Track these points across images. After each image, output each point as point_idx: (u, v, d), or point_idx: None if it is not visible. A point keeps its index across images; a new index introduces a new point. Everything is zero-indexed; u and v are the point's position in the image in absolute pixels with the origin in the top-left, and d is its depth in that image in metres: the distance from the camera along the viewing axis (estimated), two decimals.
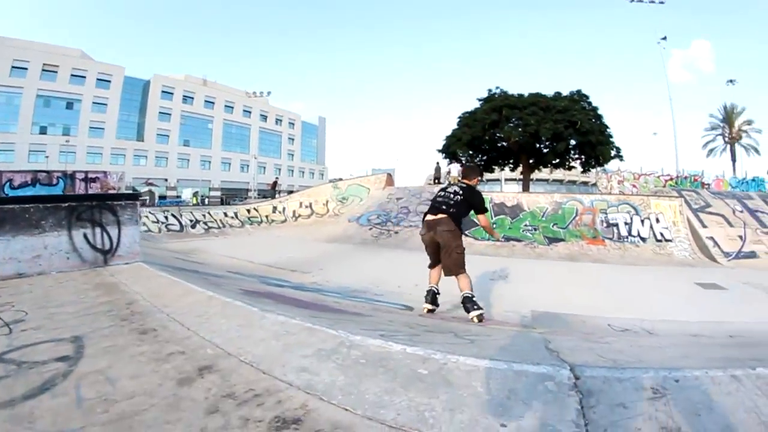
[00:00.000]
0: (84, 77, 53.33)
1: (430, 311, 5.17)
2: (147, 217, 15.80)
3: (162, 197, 51.71)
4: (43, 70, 50.59)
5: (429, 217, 5.10)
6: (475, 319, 4.59)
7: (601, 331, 5.10)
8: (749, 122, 42.65)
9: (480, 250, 13.14)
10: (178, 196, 53.32)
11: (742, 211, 13.73)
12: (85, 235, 4.01)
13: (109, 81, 55.46)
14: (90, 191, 11.39)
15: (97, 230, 4.08)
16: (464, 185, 5.27)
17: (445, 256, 5.04)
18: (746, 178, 22.82)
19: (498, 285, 8.16)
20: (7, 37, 49.23)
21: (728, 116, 43.20)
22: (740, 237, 12.51)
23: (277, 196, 32.91)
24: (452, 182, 19.02)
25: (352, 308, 3.84)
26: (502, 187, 59.48)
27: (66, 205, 3.91)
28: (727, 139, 43.54)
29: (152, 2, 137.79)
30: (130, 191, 49.03)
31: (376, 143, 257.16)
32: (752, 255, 11.85)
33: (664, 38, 38.93)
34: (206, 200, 53.09)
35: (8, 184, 10.70)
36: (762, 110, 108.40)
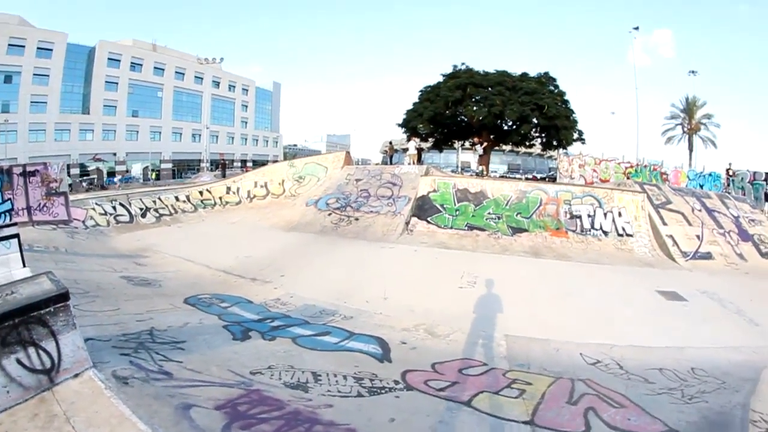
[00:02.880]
0: (23, 46, 47.66)
1: None
2: (94, 209, 14.84)
3: (111, 173, 49.07)
4: None
5: None
6: None
7: (575, 365, 5.16)
8: (709, 116, 43.96)
9: (443, 241, 13.02)
10: (128, 171, 50.73)
11: (700, 210, 14.00)
12: (18, 361, 3.39)
13: (51, 49, 50.06)
14: (30, 187, 10.27)
15: (31, 350, 3.46)
16: None
17: None
18: (704, 172, 23.54)
19: (467, 295, 8.01)
20: None
21: (689, 107, 44.31)
22: (698, 237, 12.74)
23: (226, 173, 31.71)
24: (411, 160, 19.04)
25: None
26: (458, 156, 59.93)
27: None
28: (686, 129, 44.83)
29: None
30: (80, 169, 46.38)
31: (331, 110, 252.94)
32: (708, 256, 12.10)
33: (636, 28, 39.40)
34: (159, 174, 50.85)
35: None
36: (721, 106, 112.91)
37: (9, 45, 46.88)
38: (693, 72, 43.49)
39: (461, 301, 7.63)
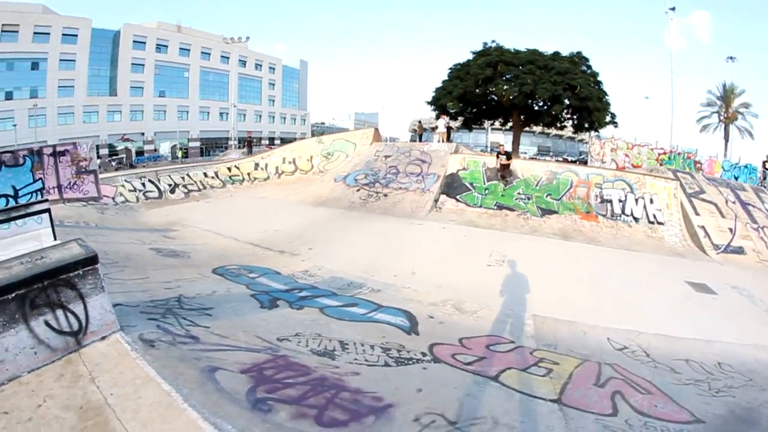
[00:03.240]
0: (48, 34, 48.47)
1: None
2: (123, 186, 15.17)
3: (139, 152, 50.13)
4: (3, 31, 45.62)
5: None
6: None
7: (601, 350, 5.07)
8: (746, 105, 41.82)
9: (471, 219, 12.88)
10: (156, 150, 51.64)
11: (734, 203, 13.44)
12: (47, 323, 3.38)
13: (76, 35, 50.76)
14: (60, 167, 10.51)
15: (59, 312, 3.44)
16: None
17: None
18: (739, 164, 22.56)
19: (495, 273, 7.91)
20: None
21: (726, 95, 42.17)
22: (730, 230, 12.25)
23: (253, 151, 31.81)
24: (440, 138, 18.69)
25: (368, 388, 3.30)
26: (488, 136, 59.07)
27: (13, 296, 3.28)
28: (722, 117, 42.74)
29: None
30: (108, 149, 47.38)
31: (359, 88, 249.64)
32: (740, 251, 11.62)
33: (673, 8, 37.33)
34: (188, 152, 51.59)
35: None
36: (760, 96, 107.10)
37: (34, 33, 47.67)
38: (731, 58, 40.86)
39: (489, 279, 7.53)
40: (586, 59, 26.90)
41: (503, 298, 6.61)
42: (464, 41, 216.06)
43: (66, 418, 2.69)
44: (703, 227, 12.27)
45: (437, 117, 24.32)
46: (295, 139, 43.79)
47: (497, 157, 14.65)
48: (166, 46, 60.95)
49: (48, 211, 5.83)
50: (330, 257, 8.52)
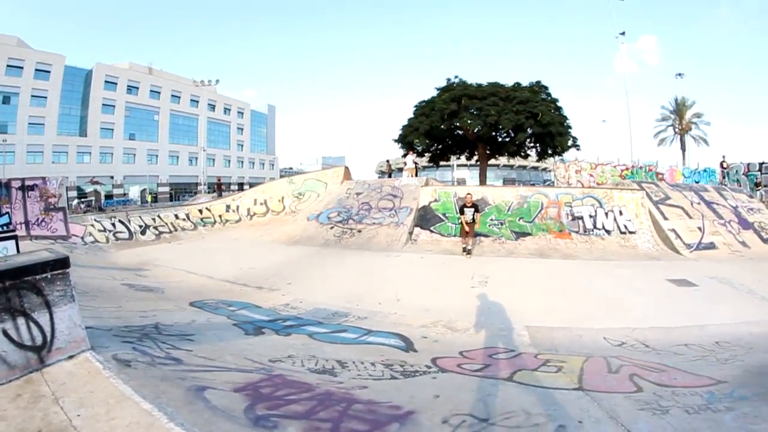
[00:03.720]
0: (21, 68, 48.26)
1: None
2: (93, 225, 14.76)
3: (108, 196, 49.06)
4: None
5: None
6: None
7: (601, 348, 5.10)
8: (699, 115, 44.32)
9: (448, 248, 12.91)
10: (125, 194, 50.69)
11: (699, 203, 14.12)
12: (5, 332, 2.88)
13: (49, 72, 50.60)
14: (28, 201, 10.09)
15: (21, 321, 2.94)
16: None
17: None
18: (698, 169, 23.74)
19: (480, 293, 7.89)
20: None
21: (679, 108, 44.68)
22: (699, 228, 12.85)
23: (223, 195, 31.51)
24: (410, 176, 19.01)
25: (381, 401, 3.06)
26: (453, 173, 59.94)
27: None
28: (677, 129, 45.08)
29: None
30: (76, 192, 46.24)
31: (326, 132, 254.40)
32: (711, 246, 12.20)
33: (623, 33, 39.91)
34: (157, 197, 50.75)
35: None
36: (709, 103, 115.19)
37: (7, 66, 47.47)
38: (680, 74, 44.23)
39: (475, 298, 7.52)
40: (546, 87, 27.89)
41: (493, 314, 6.60)
42: (427, 79, 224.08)
43: None
44: (673, 230, 12.82)
45: (405, 154, 24.72)
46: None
47: (461, 212, 12.18)
48: (137, 88, 61.08)
49: (15, 238, 5.57)
50: (310, 290, 8.36)
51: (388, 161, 25.62)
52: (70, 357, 3.09)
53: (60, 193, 10.48)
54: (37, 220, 10.05)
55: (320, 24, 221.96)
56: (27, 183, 10.17)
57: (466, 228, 11.85)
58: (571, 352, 4.86)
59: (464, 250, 11.98)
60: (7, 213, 9.56)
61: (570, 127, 27.22)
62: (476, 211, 11.89)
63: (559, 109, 27.19)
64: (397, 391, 3.39)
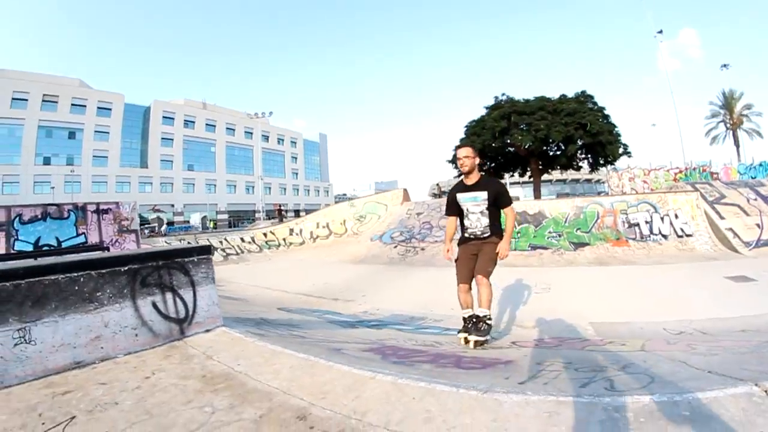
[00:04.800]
0: (84, 106, 53.67)
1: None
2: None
3: (170, 223, 51.97)
4: (44, 100, 50.85)
5: None
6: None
7: (661, 336, 5.36)
8: (749, 106, 42.73)
9: (509, 261, 12.98)
10: (186, 221, 53.52)
11: (756, 199, 13.97)
12: (154, 304, 3.31)
13: (110, 109, 55.85)
14: (103, 224, 11.07)
15: (168, 296, 3.40)
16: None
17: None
18: (753, 164, 22.85)
19: (545, 297, 8.26)
20: (6, 69, 49.60)
21: (728, 102, 43.22)
22: (758, 225, 12.71)
23: (284, 220, 32.65)
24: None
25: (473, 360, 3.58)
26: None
27: (126, 269, 3.15)
28: (728, 125, 43.54)
29: (147, 29, 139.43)
30: (142, 219, 49.29)
31: (377, 156, 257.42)
32: None
33: (660, 32, 39.00)
34: (216, 224, 53.20)
35: (18, 219, 10.11)
36: (759, 93, 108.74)
37: (72, 104, 52.54)
38: (725, 65, 42.30)
39: (540, 302, 7.86)
40: (591, 96, 27.88)
41: (558, 313, 6.95)
42: (474, 99, 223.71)
43: (187, 384, 2.55)
44: (730, 229, 12.71)
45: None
46: None
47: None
48: (194, 122, 65.16)
49: (108, 249, 6.26)
50: (385, 300, 8.88)
51: (437, 184, 26.38)
52: (207, 330, 3.55)
53: (133, 216, 11.46)
54: (112, 240, 10.98)
55: (363, 50, 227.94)
56: (102, 207, 11.12)
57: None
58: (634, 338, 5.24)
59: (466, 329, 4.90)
60: (83, 233, 10.54)
61: (619, 135, 26.96)
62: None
63: (606, 117, 27.02)
64: (499, 354, 3.98)
